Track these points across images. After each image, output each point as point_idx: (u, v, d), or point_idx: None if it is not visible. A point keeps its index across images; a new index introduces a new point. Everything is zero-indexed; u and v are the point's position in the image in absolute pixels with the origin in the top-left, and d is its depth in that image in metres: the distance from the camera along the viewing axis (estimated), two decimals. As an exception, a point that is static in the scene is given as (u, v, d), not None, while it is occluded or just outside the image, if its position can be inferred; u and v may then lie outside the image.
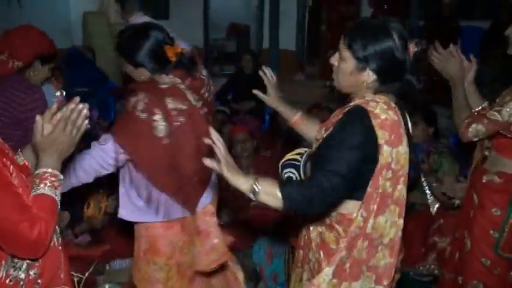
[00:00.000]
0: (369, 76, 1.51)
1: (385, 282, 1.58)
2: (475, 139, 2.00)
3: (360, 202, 1.52)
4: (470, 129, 1.96)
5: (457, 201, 2.60)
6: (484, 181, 2.07)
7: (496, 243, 2.02)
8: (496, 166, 2.05)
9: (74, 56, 5.16)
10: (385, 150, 1.47)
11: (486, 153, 2.12)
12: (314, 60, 7.06)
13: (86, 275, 2.17)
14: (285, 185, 1.44)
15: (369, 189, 1.50)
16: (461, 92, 2.07)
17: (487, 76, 4.39)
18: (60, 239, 1.41)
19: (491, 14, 6.22)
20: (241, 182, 1.41)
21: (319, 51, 6.53)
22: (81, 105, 1.31)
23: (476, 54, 5.71)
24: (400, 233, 1.58)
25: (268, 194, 1.41)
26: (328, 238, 1.60)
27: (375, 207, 1.51)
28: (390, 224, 1.55)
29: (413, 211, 3.07)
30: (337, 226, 1.58)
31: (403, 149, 1.51)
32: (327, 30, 6.08)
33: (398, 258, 1.63)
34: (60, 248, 1.40)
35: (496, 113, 1.92)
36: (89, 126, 1.35)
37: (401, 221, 1.57)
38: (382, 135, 1.46)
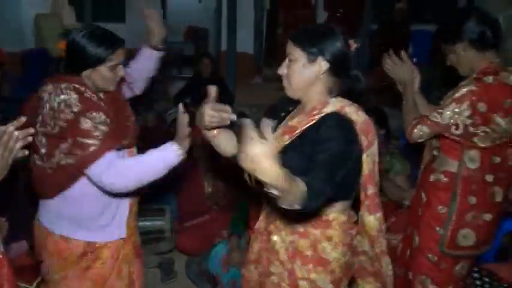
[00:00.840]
0: (321, 66, 1.54)
1: None
2: (420, 140, 2.07)
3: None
4: (415, 131, 2.03)
5: (407, 202, 2.70)
6: (431, 180, 2.16)
7: (441, 240, 2.10)
8: (443, 165, 2.13)
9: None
10: (366, 155, 1.56)
11: (435, 153, 2.21)
12: (271, 63, 7.12)
13: (34, 285, 2.10)
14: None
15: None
16: (411, 96, 2.16)
17: (436, 79, 4.56)
18: (1, 248, 1.37)
19: (441, 18, 6.46)
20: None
21: (276, 54, 6.59)
22: (11, 128, 1.28)
23: (426, 58, 5.91)
24: None
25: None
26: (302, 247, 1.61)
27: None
28: None
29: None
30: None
31: (373, 150, 1.60)
32: (283, 33, 6.16)
33: None
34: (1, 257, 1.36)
35: (437, 114, 1.99)
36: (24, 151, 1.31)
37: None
38: (363, 141, 1.54)
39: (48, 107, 1.72)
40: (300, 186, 1.23)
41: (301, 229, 1.61)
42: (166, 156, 1.74)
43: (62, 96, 1.70)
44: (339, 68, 1.56)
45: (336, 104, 1.56)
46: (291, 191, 1.18)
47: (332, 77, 1.57)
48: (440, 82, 4.37)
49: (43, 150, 1.73)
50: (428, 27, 6.32)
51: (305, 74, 1.56)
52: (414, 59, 6.09)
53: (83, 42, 1.75)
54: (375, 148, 1.59)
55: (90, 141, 1.67)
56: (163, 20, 2.45)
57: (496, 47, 2.04)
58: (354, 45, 1.59)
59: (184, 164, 1.78)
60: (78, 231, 1.84)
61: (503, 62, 2.09)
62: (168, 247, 3.27)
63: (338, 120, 1.52)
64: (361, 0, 5.99)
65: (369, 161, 1.58)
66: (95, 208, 1.84)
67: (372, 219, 1.63)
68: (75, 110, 1.68)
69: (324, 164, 1.39)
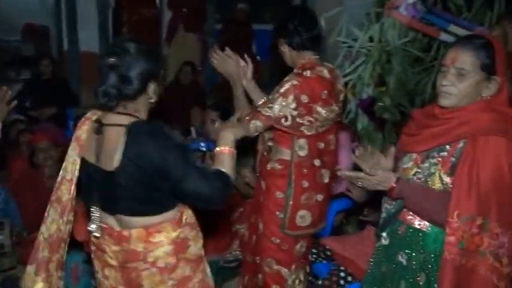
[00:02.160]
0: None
1: None
2: (256, 134, 2.20)
3: None
4: (251, 125, 2.14)
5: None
6: (268, 168, 2.32)
7: (282, 223, 2.27)
8: (277, 155, 2.30)
9: None
10: None
11: (269, 143, 2.36)
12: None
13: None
14: None
15: None
16: (241, 91, 2.29)
17: (276, 75, 4.88)
18: None
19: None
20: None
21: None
22: None
23: (268, 56, 6.19)
24: None
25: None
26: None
27: None
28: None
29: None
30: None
31: None
32: (128, 32, 6.04)
33: None
34: None
35: (268, 109, 2.14)
36: None
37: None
38: None
39: None
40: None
41: None
42: None
43: None
44: None
45: None
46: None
47: None
48: (280, 77, 4.68)
49: None
50: (269, 27, 6.70)
51: None
52: (257, 57, 6.45)
53: None
54: None
55: None
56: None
57: (313, 49, 2.26)
58: None
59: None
60: None
61: (323, 59, 2.35)
62: (10, 263, 3.03)
63: None
64: (203, 0, 6.14)
65: None
66: None
67: None
68: None
69: None
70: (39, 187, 3.27)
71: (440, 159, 1.64)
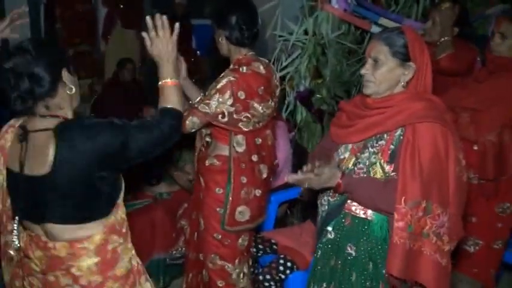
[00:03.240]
0: None
1: None
2: (193, 130, 2.21)
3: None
4: (188, 122, 2.15)
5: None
6: (206, 165, 2.32)
7: (222, 220, 2.28)
8: (215, 150, 2.31)
9: None
10: None
11: (207, 139, 2.37)
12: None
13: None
14: None
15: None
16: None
17: (217, 70, 4.87)
18: None
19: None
20: None
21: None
22: None
23: (208, 51, 6.12)
24: None
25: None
26: None
27: None
28: None
29: (162, 200, 3.26)
30: None
31: None
32: (62, 28, 5.84)
33: None
34: None
35: (205, 105, 2.15)
36: None
37: None
38: None
39: None
40: None
41: None
42: None
43: None
44: None
45: None
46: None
47: None
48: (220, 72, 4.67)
49: None
50: (208, 21, 6.65)
51: None
52: (197, 52, 6.37)
53: None
54: None
55: None
56: None
57: (251, 46, 2.27)
58: None
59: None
60: None
61: (260, 53, 2.37)
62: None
63: None
64: (139, -5, 6.01)
65: None
66: None
67: None
68: None
69: None
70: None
71: (379, 148, 1.70)
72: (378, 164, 1.70)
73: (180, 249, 3.09)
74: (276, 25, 3.37)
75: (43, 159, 1.48)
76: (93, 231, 1.56)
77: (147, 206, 3.16)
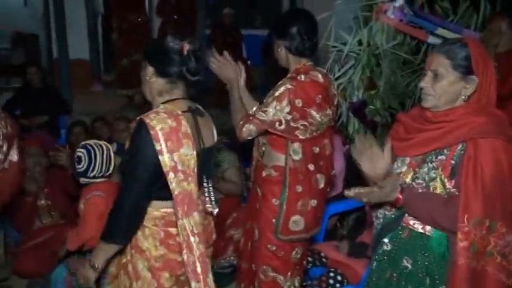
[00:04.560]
0: (148, 70, 1.76)
1: None
2: (250, 138, 2.21)
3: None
4: (244, 129, 2.16)
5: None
6: (263, 175, 2.31)
7: (276, 229, 2.27)
8: (272, 161, 2.30)
9: None
10: (163, 158, 1.66)
11: (263, 148, 2.36)
12: (110, 69, 6.91)
13: None
14: None
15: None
16: (238, 95, 2.28)
17: (270, 80, 4.90)
18: None
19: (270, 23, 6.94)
20: None
21: (114, 60, 6.44)
22: None
23: (259, 61, 6.18)
24: None
25: None
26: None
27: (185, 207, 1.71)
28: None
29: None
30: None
31: (185, 151, 1.69)
32: (118, 39, 6.05)
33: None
34: None
35: (262, 113, 2.15)
36: None
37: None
38: (157, 145, 1.65)
39: None
40: None
41: None
42: None
43: None
44: (160, 68, 1.74)
45: (158, 109, 1.73)
46: None
47: (159, 76, 1.75)
48: (273, 82, 4.69)
49: None
50: (259, 32, 6.74)
51: (145, 83, 1.79)
52: (248, 62, 6.45)
53: None
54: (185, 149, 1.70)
55: None
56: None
57: (310, 56, 2.28)
58: (186, 47, 1.70)
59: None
60: None
61: (314, 61, 2.36)
62: (2, 275, 3.01)
63: (137, 125, 1.70)
64: (192, 6, 6.15)
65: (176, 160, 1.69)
66: None
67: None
68: None
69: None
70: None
71: (439, 163, 1.64)
72: (438, 179, 1.64)
73: (228, 258, 3.10)
74: (330, 35, 3.36)
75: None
76: None
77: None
